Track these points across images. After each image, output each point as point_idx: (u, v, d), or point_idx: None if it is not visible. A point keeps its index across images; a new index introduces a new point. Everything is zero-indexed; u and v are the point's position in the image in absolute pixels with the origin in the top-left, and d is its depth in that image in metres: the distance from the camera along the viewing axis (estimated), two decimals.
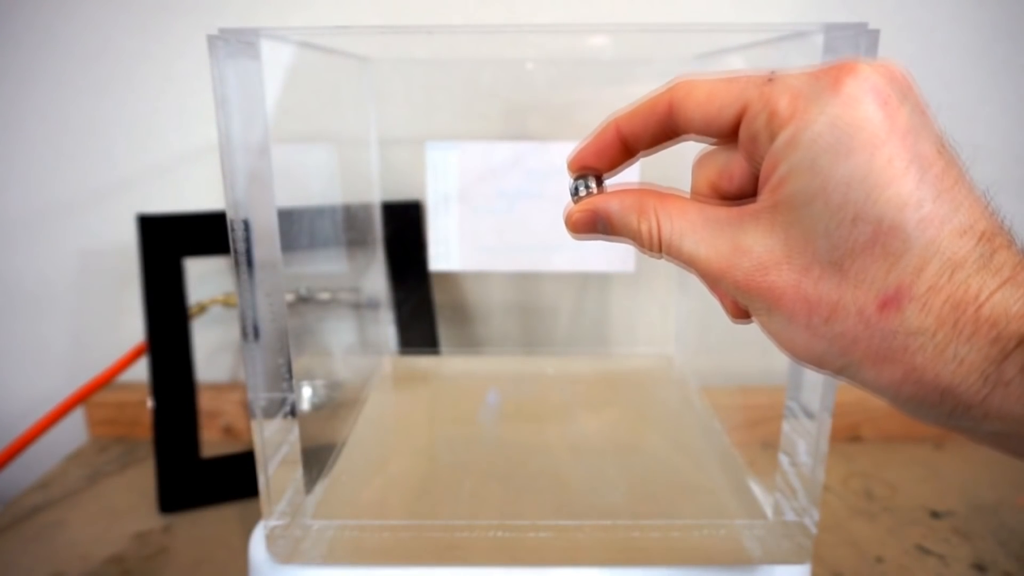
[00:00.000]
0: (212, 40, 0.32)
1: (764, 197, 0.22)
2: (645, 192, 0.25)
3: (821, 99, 0.20)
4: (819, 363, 0.22)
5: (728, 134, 0.23)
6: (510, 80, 0.61)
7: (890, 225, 0.20)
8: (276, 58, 0.36)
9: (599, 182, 0.26)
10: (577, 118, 0.60)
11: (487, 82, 0.61)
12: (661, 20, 0.59)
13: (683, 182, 0.26)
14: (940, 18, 0.60)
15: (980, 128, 0.62)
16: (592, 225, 0.26)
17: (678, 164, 0.27)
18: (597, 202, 0.25)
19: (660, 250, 0.24)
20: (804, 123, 0.20)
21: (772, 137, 0.21)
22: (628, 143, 0.25)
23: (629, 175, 0.26)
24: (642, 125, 0.25)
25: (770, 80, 0.22)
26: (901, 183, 0.20)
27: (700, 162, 0.25)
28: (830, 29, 0.32)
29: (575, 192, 0.26)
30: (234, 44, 0.32)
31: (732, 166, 0.24)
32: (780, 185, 0.21)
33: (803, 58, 0.35)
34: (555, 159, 0.57)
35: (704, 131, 0.23)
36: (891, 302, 0.20)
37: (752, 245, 0.22)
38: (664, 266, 0.28)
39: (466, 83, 0.62)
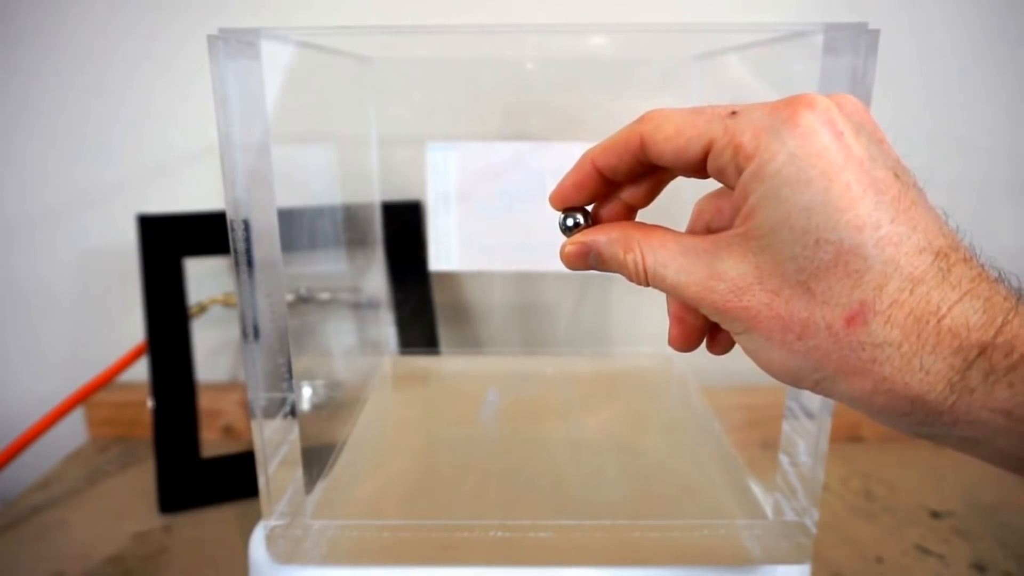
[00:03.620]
0: (212, 40, 0.32)
1: (736, 226, 0.23)
2: (630, 226, 0.26)
3: (781, 133, 0.21)
4: (796, 379, 0.23)
5: (697, 167, 0.24)
6: (510, 80, 0.60)
7: (850, 246, 0.21)
8: (276, 58, 0.36)
9: (586, 215, 0.27)
10: (577, 118, 0.60)
11: (487, 82, 0.61)
12: (661, 20, 0.59)
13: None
14: (940, 18, 0.60)
15: (980, 128, 0.62)
16: (584, 259, 0.27)
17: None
18: (587, 237, 0.27)
19: (646, 281, 0.25)
20: (767, 157, 0.21)
21: (739, 171, 0.22)
22: (606, 176, 0.26)
23: None
24: (616, 158, 0.26)
25: (733, 114, 0.23)
26: (859, 207, 0.21)
27: (699, 204, 0.27)
28: (830, 29, 0.32)
29: (564, 227, 0.27)
30: (234, 44, 0.32)
31: (723, 205, 0.25)
32: (749, 215, 0.22)
33: (803, 58, 0.35)
34: (555, 159, 0.57)
35: (675, 164, 0.24)
36: (857, 317, 0.21)
37: (727, 271, 0.23)
38: None
39: (466, 83, 0.62)
